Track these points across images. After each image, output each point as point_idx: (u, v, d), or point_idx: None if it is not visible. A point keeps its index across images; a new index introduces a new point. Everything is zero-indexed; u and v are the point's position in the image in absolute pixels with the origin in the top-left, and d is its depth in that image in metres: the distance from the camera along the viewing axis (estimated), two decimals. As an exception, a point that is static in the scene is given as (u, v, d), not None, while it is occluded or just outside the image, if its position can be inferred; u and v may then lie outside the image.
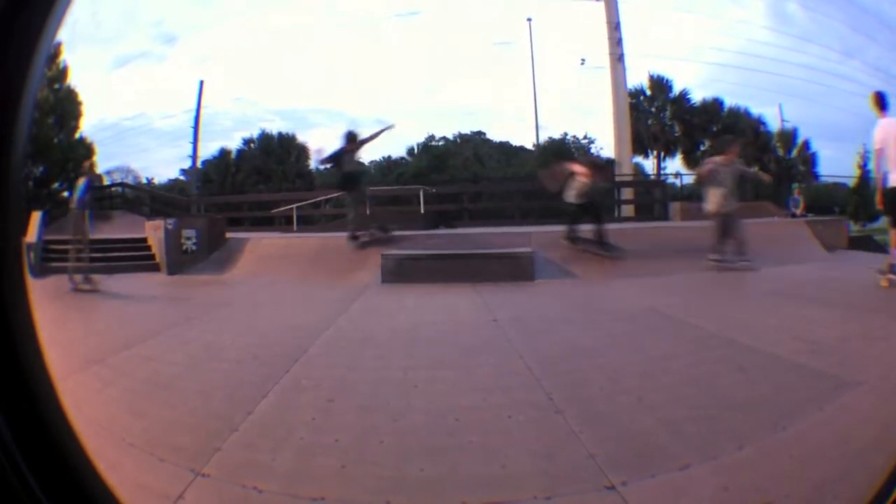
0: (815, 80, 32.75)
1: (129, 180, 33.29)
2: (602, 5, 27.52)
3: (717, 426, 3.98)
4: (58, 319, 8.13)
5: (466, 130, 40.42)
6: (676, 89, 35.75)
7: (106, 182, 30.17)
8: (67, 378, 4.81)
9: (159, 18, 51.95)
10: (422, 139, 39.63)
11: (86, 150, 27.43)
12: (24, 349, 1.34)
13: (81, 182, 12.82)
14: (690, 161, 35.24)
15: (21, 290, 1.38)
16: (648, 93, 35.94)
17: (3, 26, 1.30)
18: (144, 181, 35.42)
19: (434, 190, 23.61)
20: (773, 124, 33.64)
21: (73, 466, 1.44)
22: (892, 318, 7.00)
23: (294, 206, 22.13)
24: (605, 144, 35.67)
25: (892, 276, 9.47)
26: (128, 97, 46.66)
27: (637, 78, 35.93)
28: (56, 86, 25.97)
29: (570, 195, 13.20)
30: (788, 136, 33.00)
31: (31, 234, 14.74)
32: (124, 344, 6.71)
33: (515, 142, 40.10)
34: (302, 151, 35.23)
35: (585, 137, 35.44)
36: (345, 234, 14.07)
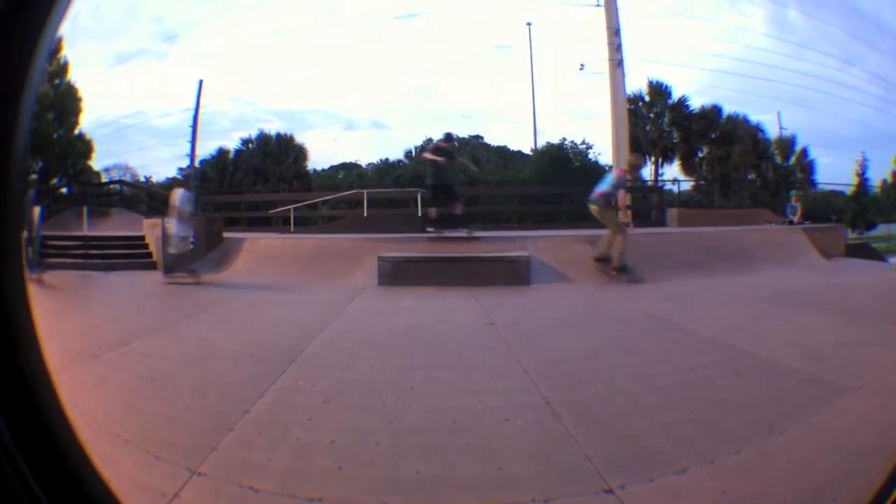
0: (815, 88, 32.90)
1: (128, 178, 33.33)
2: (602, 11, 27.58)
3: (715, 430, 3.98)
4: (54, 314, 8.10)
5: (464, 134, 40.53)
6: (675, 95, 35.86)
7: (104, 179, 30.23)
8: (63, 373, 4.80)
9: (160, 15, 51.89)
10: (419, 142, 39.73)
11: (85, 146, 27.43)
12: (22, 344, 1.34)
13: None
14: (688, 167, 35.33)
15: (20, 284, 1.37)
16: (647, 98, 36.02)
17: (5, 20, 1.29)
18: (143, 179, 35.45)
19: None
20: (772, 131, 33.76)
21: (70, 462, 1.43)
22: (888, 323, 7.01)
23: (291, 206, 22.13)
24: (604, 149, 35.81)
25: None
26: (127, 94, 46.53)
27: (636, 83, 36.07)
28: (56, 81, 25.95)
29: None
30: (787, 144, 33.09)
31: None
32: (121, 340, 6.69)
33: (513, 146, 40.26)
34: (300, 152, 35.27)
35: (583, 142, 35.46)
36: (341, 236, 14.18)
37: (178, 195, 13.53)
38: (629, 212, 12.99)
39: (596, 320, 8.26)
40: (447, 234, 13.96)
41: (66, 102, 26.44)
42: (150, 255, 14.94)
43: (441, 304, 9.63)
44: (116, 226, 19.45)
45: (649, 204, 26.97)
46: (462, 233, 14.06)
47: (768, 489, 3.20)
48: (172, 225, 13.12)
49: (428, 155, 14.46)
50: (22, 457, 1.31)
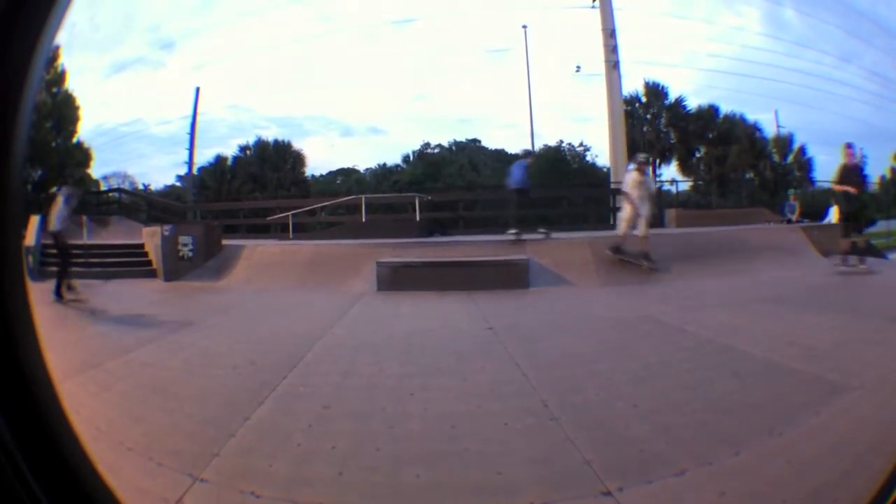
0: (811, 86, 32.91)
1: (126, 186, 33.34)
2: (598, 12, 27.59)
3: (714, 432, 4.00)
4: (55, 323, 8.11)
5: (461, 138, 40.59)
6: (672, 96, 35.87)
7: (103, 187, 30.27)
8: (65, 382, 4.80)
9: (156, 24, 51.87)
10: (417, 147, 39.79)
11: (83, 154, 27.43)
12: (24, 351, 1.35)
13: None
14: (686, 168, 35.32)
15: (21, 292, 1.38)
16: (644, 100, 36.03)
17: (2, 27, 1.30)
18: (141, 187, 35.50)
19: (429, 197, 23.60)
20: (769, 130, 33.78)
21: (73, 467, 1.45)
22: (887, 321, 7.01)
23: (290, 213, 22.11)
24: (601, 151, 35.83)
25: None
26: (125, 103, 46.50)
27: (632, 85, 36.07)
28: (54, 90, 25.95)
29: None
30: (784, 142, 33.10)
31: (30, 238, 14.72)
32: (122, 349, 6.70)
33: (511, 149, 40.18)
34: (298, 158, 35.30)
35: (581, 144, 35.54)
36: (340, 242, 14.19)
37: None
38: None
39: (595, 323, 8.27)
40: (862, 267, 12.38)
41: (65, 111, 26.47)
42: (149, 262, 14.93)
43: (440, 309, 9.64)
44: (116, 234, 19.42)
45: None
46: (860, 267, 12.28)
47: (768, 490, 3.20)
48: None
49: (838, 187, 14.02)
50: (22, 457, 1.32)
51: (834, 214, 20.00)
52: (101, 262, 14.97)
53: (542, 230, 15.01)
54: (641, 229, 12.64)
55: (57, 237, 11.66)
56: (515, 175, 15.01)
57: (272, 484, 3.41)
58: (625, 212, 13.15)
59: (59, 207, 11.66)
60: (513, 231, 14.50)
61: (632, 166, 13.71)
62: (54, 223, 11.61)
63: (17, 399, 1.32)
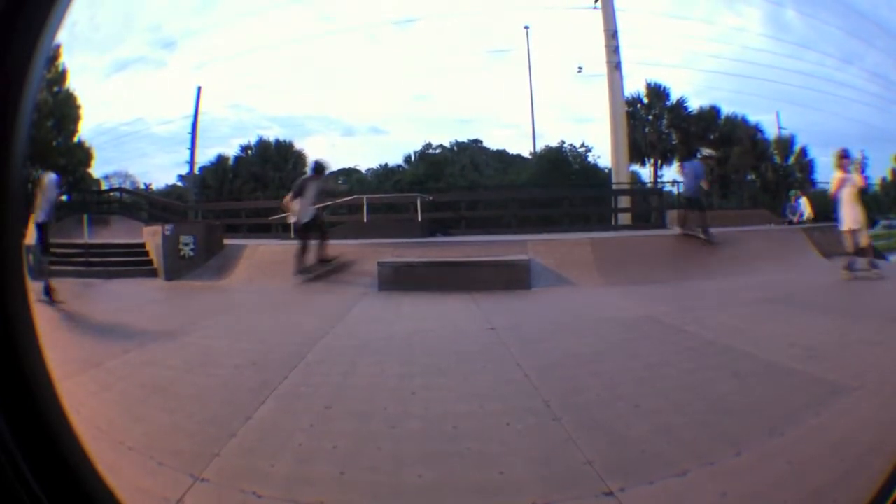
0: (813, 87, 32.85)
1: (127, 185, 33.35)
2: (600, 13, 27.57)
3: (715, 432, 3.99)
4: (56, 322, 8.11)
5: (463, 138, 40.52)
6: (673, 97, 35.81)
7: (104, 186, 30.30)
8: (65, 381, 4.80)
9: (157, 24, 51.84)
10: (419, 147, 39.73)
11: (84, 154, 27.44)
12: (24, 350, 1.35)
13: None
14: (687, 169, 35.25)
15: (22, 291, 1.38)
16: (645, 101, 35.96)
17: (3, 26, 1.30)
18: (142, 186, 35.50)
19: (431, 198, 23.53)
20: (771, 131, 33.73)
21: (73, 467, 1.44)
22: (888, 322, 7.01)
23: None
24: (603, 152, 35.78)
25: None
26: (126, 102, 46.47)
27: (634, 86, 36.06)
28: (55, 89, 25.96)
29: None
30: (786, 144, 33.05)
31: (30, 238, 14.72)
32: (122, 348, 6.70)
33: (512, 150, 40.17)
34: (299, 158, 35.28)
35: (583, 145, 35.42)
36: (341, 242, 14.18)
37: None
38: None
39: (596, 323, 8.24)
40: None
41: (66, 110, 26.47)
42: (150, 262, 14.94)
43: (441, 309, 9.64)
44: (117, 233, 19.45)
45: (649, 206, 26.92)
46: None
47: (768, 490, 3.20)
48: None
49: None
50: (22, 457, 1.32)
51: (805, 207, 20.02)
52: (102, 261, 14.98)
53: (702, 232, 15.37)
54: (863, 239, 11.44)
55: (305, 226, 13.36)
56: (687, 184, 16.26)
57: (273, 483, 3.41)
58: (845, 221, 11.44)
59: (299, 200, 13.18)
60: (678, 230, 15.35)
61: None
62: (301, 216, 13.33)
63: (17, 399, 1.32)
